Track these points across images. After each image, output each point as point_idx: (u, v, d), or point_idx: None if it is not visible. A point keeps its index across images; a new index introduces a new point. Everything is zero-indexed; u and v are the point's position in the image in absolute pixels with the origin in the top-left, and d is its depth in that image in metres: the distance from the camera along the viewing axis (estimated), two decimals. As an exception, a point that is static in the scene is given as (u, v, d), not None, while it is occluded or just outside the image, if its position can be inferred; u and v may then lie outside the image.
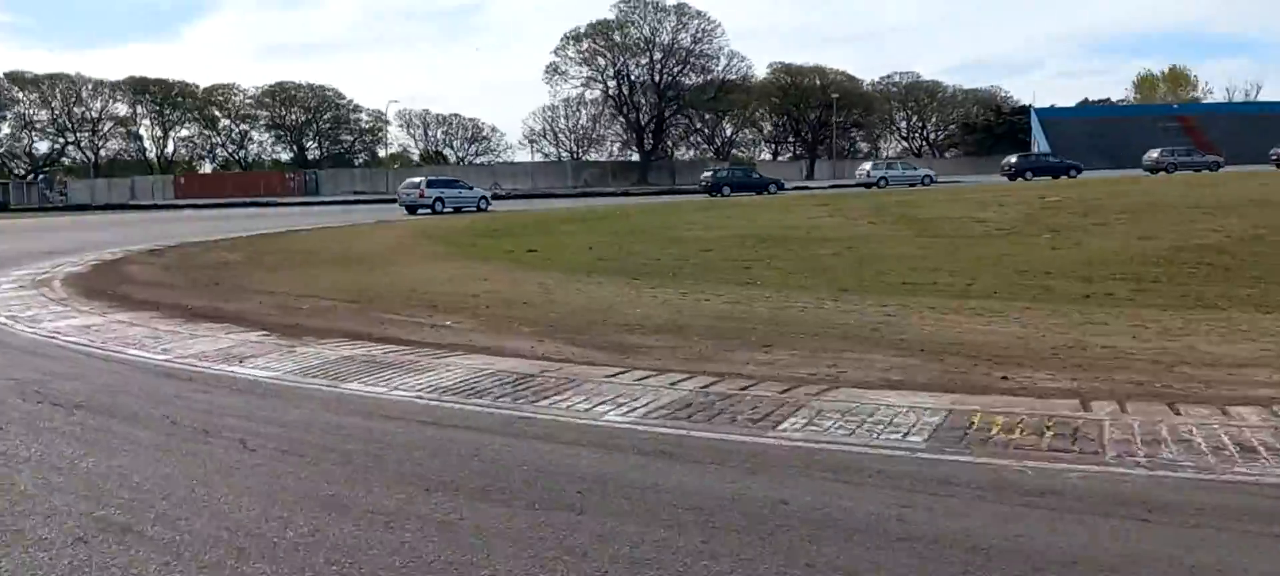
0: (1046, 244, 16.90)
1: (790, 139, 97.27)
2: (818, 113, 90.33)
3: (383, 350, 8.78)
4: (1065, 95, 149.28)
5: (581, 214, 32.60)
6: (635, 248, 19.38)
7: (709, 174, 55.70)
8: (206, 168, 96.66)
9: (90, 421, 6.33)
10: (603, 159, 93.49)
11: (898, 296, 11.55)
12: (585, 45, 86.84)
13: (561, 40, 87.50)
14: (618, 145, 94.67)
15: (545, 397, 6.78)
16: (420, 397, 6.90)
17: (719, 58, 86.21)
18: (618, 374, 7.48)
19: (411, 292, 13.20)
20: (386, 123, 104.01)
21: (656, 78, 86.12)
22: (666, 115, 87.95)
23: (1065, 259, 14.82)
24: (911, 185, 50.78)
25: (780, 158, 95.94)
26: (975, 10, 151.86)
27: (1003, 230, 19.26)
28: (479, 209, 42.97)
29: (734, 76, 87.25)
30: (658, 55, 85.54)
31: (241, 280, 15.77)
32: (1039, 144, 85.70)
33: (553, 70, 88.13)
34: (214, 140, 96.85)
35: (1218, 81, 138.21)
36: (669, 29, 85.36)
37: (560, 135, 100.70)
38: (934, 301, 11.06)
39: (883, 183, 52.66)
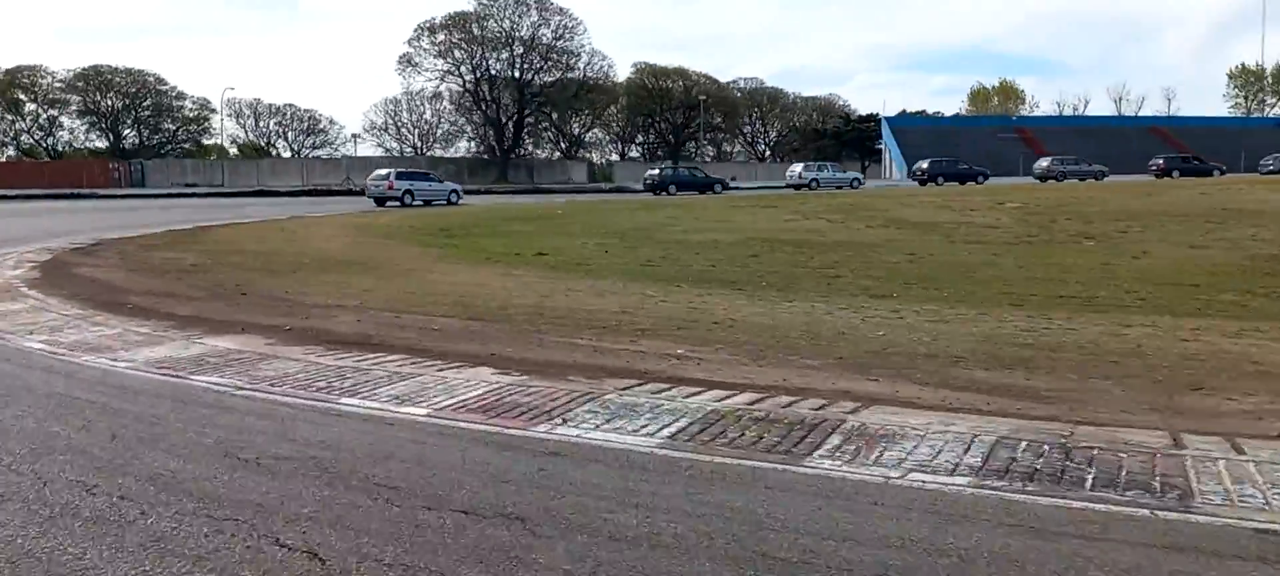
0: (1092, 251, 16.25)
1: (651, 140, 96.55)
2: (681, 114, 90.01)
3: (685, 393, 6.66)
4: (873, 104, 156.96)
5: (533, 212, 30.21)
6: (654, 252, 17.49)
7: (655, 171, 54.65)
8: (7, 155, 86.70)
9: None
10: (449, 155, 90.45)
11: (1099, 312, 10.29)
12: (441, 37, 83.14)
13: (415, 31, 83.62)
14: (472, 143, 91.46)
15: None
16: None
17: (581, 55, 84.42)
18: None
19: (508, 305, 10.90)
20: (212, 111, 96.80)
21: (517, 73, 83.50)
22: (526, 112, 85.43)
23: (1153, 269, 14.09)
24: (839, 187, 51.17)
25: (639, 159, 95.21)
26: (789, 22, 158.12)
27: (1030, 237, 18.56)
28: (449, 202, 42.25)
29: (596, 75, 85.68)
30: (519, 50, 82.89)
31: (266, 288, 12.90)
32: (891, 151, 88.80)
33: (406, 61, 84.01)
34: (18, 126, 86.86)
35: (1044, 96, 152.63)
36: (530, 24, 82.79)
37: (403, 129, 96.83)
38: (1150, 317, 9.86)
39: (815, 184, 52.84)
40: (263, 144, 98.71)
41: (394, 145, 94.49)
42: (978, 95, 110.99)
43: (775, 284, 13.21)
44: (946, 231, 19.81)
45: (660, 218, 25.14)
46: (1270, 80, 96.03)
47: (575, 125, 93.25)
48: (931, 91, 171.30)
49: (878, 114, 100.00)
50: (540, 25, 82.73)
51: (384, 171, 45.30)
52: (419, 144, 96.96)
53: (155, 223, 28.01)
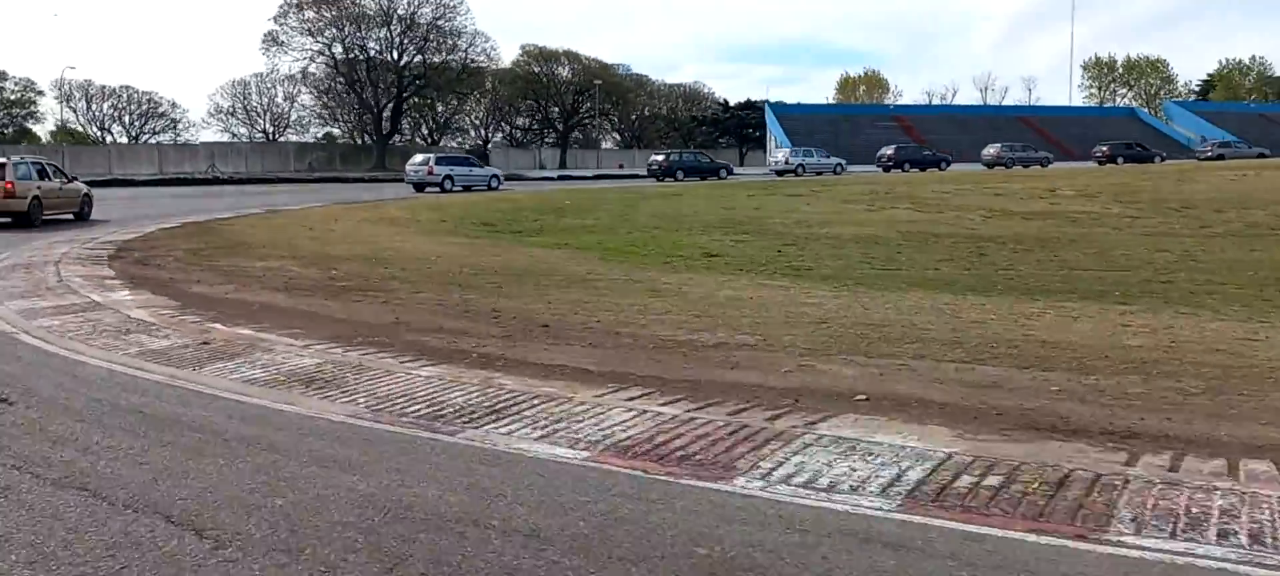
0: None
1: (532, 124, 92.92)
2: (572, 98, 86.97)
3: None
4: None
5: (550, 204, 27.01)
6: (816, 251, 15.03)
7: (661, 157, 52.05)
8: None
9: None
10: (307, 140, 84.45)
11: None
12: (311, 15, 76.82)
13: (281, 7, 76.85)
14: (344, 128, 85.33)
15: None
16: None
17: (464, 36, 79.95)
18: None
19: (858, 325, 8.26)
20: (39, 93, 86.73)
21: (396, 55, 78.31)
22: (406, 96, 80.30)
23: None
24: (819, 173, 50.59)
25: (531, 146, 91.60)
26: (619, 11, 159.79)
27: (1204, 228, 17.17)
28: (490, 188, 41.43)
29: (478, 57, 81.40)
30: (397, 30, 77.68)
31: (511, 310, 9.63)
32: (777, 137, 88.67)
33: (271, 40, 77.31)
34: None
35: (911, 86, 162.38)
36: (409, 2, 77.76)
37: (253, 113, 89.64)
38: None
39: (801, 170, 52.38)
40: (98, 129, 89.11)
41: (243, 131, 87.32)
42: (846, 84, 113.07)
43: (1035, 286, 11.07)
44: (1110, 222, 18.19)
45: (729, 208, 22.62)
46: (1121, 71, 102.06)
47: (454, 110, 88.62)
48: (759, 81, 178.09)
49: (754, 99, 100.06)
50: (420, 4, 77.87)
51: (423, 157, 44.50)
52: (272, 129, 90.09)
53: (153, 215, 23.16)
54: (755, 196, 27.00)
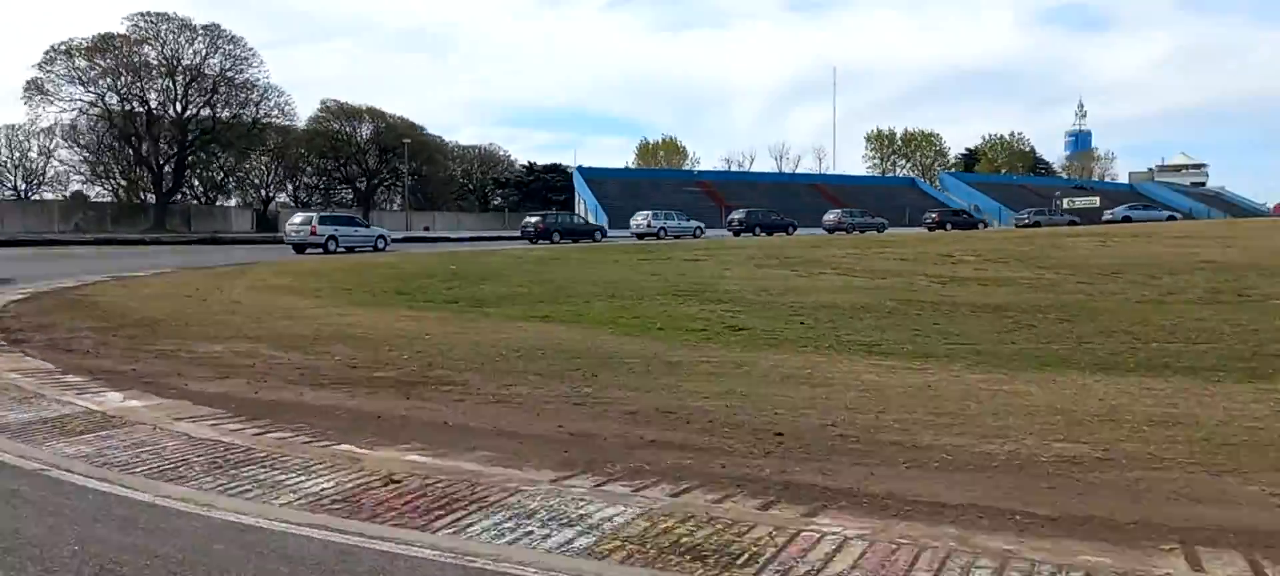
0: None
1: (326, 185, 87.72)
2: (375, 157, 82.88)
3: None
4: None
5: (480, 269, 24.41)
6: (799, 318, 13.98)
7: (536, 218, 49.54)
8: None
9: None
10: (56, 197, 75.91)
11: None
12: (81, 63, 69.18)
13: (48, 53, 68.85)
14: (112, 184, 76.99)
15: None
16: None
17: (256, 89, 74.56)
18: None
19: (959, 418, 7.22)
20: None
21: (179, 108, 71.86)
22: (189, 152, 73.67)
23: None
24: (678, 237, 50.92)
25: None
26: (397, 75, 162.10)
27: (1163, 297, 17.51)
28: (376, 249, 39.37)
29: (274, 113, 76.10)
30: (182, 81, 71.36)
31: (667, 406, 7.74)
32: (587, 201, 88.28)
33: (35, 89, 68.77)
34: None
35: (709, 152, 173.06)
36: (195, 52, 71.77)
37: (2, 168, 79.85)
38: None
39: (663, 232, 52.84)
40: None
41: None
42: (645, 150, 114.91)
43: (1081, 359, 10.54)
44: (1070, 289, 18.19)
45: (656, 273, 21.20)
46: (900, 143, 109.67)
47: (233, 167, 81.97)
48: (535, 146, 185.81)
49: (560, 163, 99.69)
50: (208, 54, 72.05)
51: (305, 215, 41.61)
52: (23, 187, 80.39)
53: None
54: (660, 260, 25.77)
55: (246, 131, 74.43)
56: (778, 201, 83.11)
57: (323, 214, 43.39)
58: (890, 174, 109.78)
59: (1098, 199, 79.88)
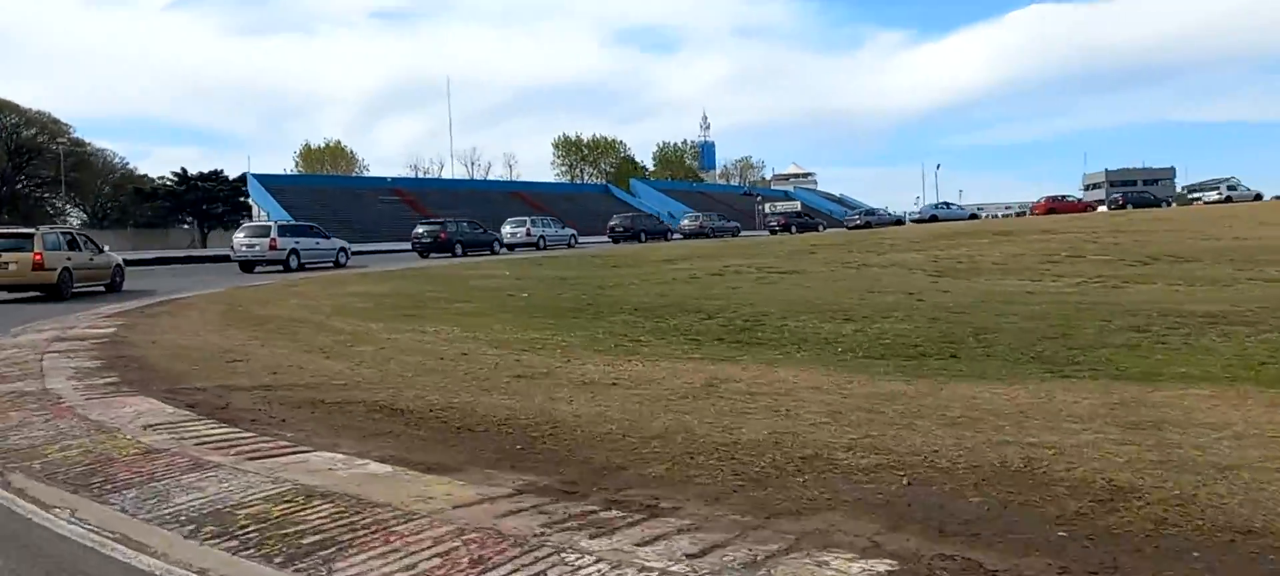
0: None
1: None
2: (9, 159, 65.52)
3: None
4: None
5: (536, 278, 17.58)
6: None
7: (424, 229, 41.69)
8: None
9: None
10: None
11: None
12: None
13: None
14: None
15: None
16: None
17: None
18: None
19: None
20: None
21: None
22: None
23: None
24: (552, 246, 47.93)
25: None
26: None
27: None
28: (338, 265, 34.12)
29: None
30: None
31: None
32: (268, 211, 76.73)
33: None
34: None
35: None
36: None
37: None
38: None
39: (542, 243, 48.67)
40: None
41: None
42: (309, 155, 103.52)
43: None
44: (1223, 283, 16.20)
45: (665, 285, 16.53)
46: (587, 150, 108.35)
47: None
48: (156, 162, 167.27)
49: (221, 171, 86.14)
50: None
51: (260, 225, 34.81)
52: None
53: None
54: (630, 269, 20.95)
55: None
56: (479, 208, 77.91)
57: (283, 223, 35.27)
58: (581, 181, 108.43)
59: (798, 204, 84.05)
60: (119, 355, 10.43)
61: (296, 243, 32.91)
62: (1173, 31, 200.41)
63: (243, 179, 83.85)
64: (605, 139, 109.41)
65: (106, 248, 25.13)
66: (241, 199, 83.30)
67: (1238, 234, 24.77)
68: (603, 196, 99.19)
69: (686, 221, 59.20)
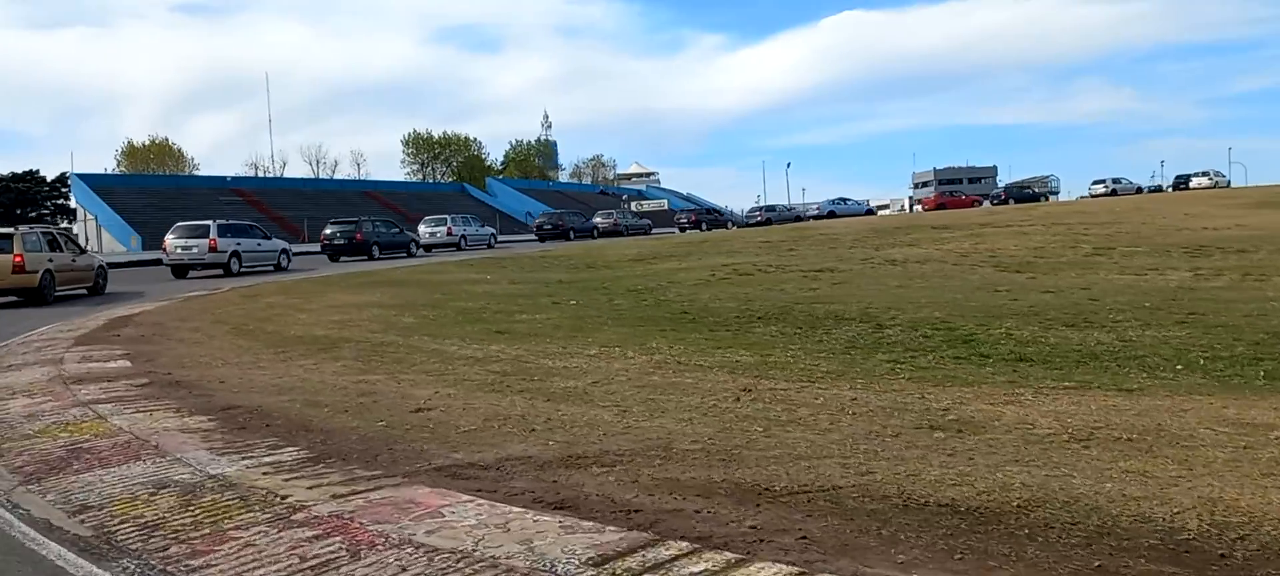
0: None
1: None
2: None
3: None
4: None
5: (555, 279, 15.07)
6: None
7: (336, 229, 37.31)
8: None
9: None
10: None
11: None
12: None
13: None
14: None
15: None
16: None
17: None
18: None
19: None
20: None
21: None
22: None
23: None
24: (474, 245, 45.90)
25: None
26: None
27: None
28: (278, 267, 30.59)
29: None
30: None
31: None
32: (97, 215, 69.10)
33: None
34: None
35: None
36: None
37: None
38: None
39: (464, 242, 45.55)
40: None
41: None
42: (134, 153, 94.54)
43: None
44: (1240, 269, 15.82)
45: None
46: (438, 147, 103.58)
47: None
48: None
49: (36, 171, 77.07)
50: None
51: (197, 224, 29.38)
52: None
53: None
54: (637, 268, 19.05)
55: None
56: (330, 209, 73.22)
57: (222, 222, 30.16)
58: (433, 180, 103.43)
59: (665, 203, 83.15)
60: (229, 406, 7.64)
61: (238, 244, 29.18)
62: (960, 40, 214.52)
63: (63, 179, 75.46)
64: (457, 136, 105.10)
65: (89, 247, 24.17)
66: (63, 201, 75.00)
67: (1207, 225, 25.04)
68: (459, 195, 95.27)
69: (600, 219, 57.19)
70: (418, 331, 12.01)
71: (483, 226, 49.45)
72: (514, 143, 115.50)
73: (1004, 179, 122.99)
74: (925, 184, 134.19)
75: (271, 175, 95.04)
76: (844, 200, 66.21)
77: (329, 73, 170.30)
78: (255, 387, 8.53)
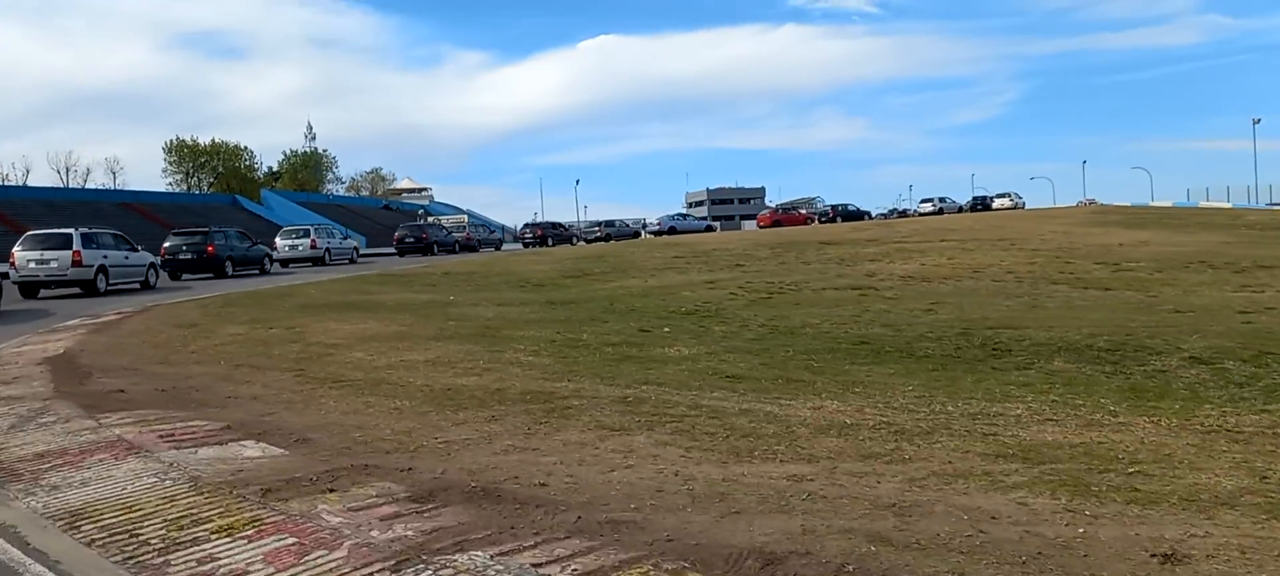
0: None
1: None
2: None
3: None
4: None
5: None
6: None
7: (180, 241, 31.59)
8: None
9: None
10: None
11: None
12: None
13: None
14: None
15: None
16: None
17: None
18: None
19: None
20: None
21: None
22: None
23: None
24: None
25: None
26: None
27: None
28: (147, 284, 26.18)
29: None
30: None
31: None
32: None
33: None
34: None
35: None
36: None
37: None
38: None
39: (329, 255, 41.94)
40: None
41: None
42: None
43: None
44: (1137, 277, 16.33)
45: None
46: (205, 155, 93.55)
47: None
48: None
49: None
50: None
51: (59, 233, 24.44)
52: None
53: None
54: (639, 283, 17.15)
55: None
56: (84, 222, 64.60)
57: (85, 231, 24.89)
58: (199, 191, 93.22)
59: (465, 218, 79.54)
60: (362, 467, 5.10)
61: (105, 257, 24.41)
62: (711, 67, 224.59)
63: None
64: (226, 144, 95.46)
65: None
66: None
67: (1121, 241, 25.90)
68: (231, 208, 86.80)
69: (456, 233, 54.10)
70: (578, 376, 9.33)
71: (345, 240, 45.32)
72: (288, 153, 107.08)
73: (773, 199, 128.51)
74: (699, 203, 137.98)
75: (13, 183, 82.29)
76: (682, 217, 67.21)
77: (55, 77, 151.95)
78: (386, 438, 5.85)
